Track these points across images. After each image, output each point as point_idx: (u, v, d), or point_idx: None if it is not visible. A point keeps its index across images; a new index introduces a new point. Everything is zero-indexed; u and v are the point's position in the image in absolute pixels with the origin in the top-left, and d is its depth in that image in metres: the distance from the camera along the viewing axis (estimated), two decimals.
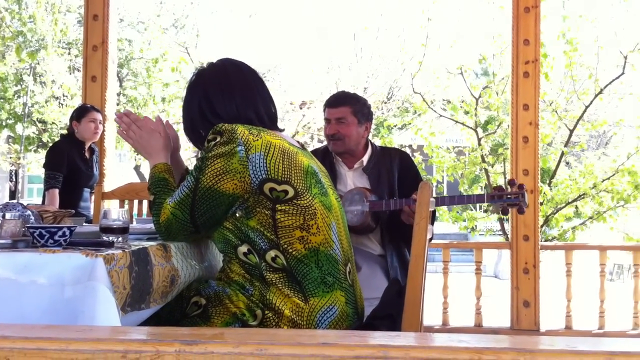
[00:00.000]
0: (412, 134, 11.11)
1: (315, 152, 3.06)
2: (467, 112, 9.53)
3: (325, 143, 3.18)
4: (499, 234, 10.38)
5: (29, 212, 1.97)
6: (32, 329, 1.02)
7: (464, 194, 7.37)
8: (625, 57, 8.64)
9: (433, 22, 10.21)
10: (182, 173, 2.19)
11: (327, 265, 1.82)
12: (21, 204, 2.02)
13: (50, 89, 12.98)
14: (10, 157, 15.71)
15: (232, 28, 24.17)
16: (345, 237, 1.96)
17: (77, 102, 11.23)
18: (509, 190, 2.90)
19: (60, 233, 1.55)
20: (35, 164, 14.43)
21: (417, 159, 9.08)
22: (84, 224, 2.50)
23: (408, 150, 10.85)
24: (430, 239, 2.19)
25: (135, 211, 3.58)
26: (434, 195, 2.50)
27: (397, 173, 3.02)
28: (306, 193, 1.83)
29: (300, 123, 13.78)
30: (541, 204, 8.00)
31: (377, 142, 10.29)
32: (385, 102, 15.25)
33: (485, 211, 11.00)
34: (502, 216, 8.12)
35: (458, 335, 0.97)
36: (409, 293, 1.89)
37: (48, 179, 4.39)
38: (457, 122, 9.71)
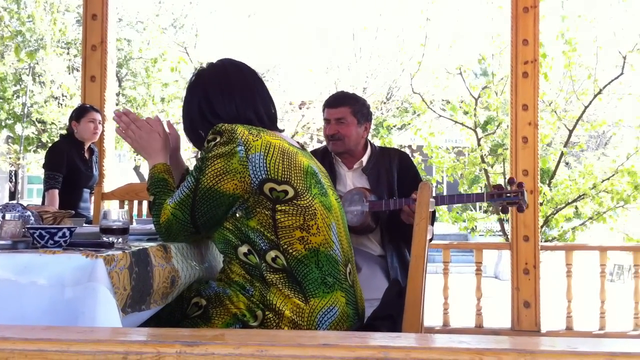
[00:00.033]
0: (411, 134, 11.11)
1: (315, 153, 3.06)
2: (466, 113, 9.53)
3: (324, 143, 3.18)
4: (499, 235, 10.39)
5: (28, 212, 1.97)
6: (33, 330, 1.01)
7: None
8: (624, 58, 8.65)
9: (432, 22, 10.22)
10: (182, 173, 2.19)
11: (327, 266, 1.82)
12: (21, 205, 2.02)
13: (49, 89, 12.98)
14: (10, 158, 15.71)
15: (231, 28, 24.18)
16: (346, 238, 1.96)
17: (77, 102, 11.23)
18: (509, 188, 2.90)
19: (60, 234, 1.55)
20: (34, 164, 14.43)
21: (417, 159, 9.09)
22: (84, 224, 2.50)
23: (407, 151, 10.85)
24: (431, 240, 2.19)
25: (135, 212, 3.58)
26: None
27: (396, 173, 3.02)
28: (306, 193, 1.83)
29: (300, 123, 13.79)
30: (541, 204, 8.01)
31: (377, 142, 10.29)
32: (385, 103, 15.25)
33: (485, 212, 11.02)
34: (502, 215, 8.12)
35: (459, 336, 0.97)
36: (410, 294, 1.89)
37: (48, 179, 4.39)
38: (456, 122, 9.72)
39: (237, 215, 1.80)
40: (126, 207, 3.59)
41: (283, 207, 1.79)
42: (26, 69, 13.57)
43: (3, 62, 13.09)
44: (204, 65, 2.07)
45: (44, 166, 4.48)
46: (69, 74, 13.24)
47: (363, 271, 2.81)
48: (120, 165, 15.57)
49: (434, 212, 2.59)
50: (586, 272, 6.25)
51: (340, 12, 25.99)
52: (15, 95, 13.65)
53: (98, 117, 4.49)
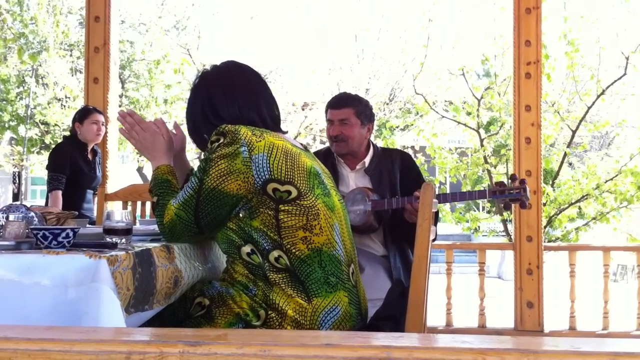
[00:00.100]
0: (414, 135, 11.11)
1: (317, 154, 3.06)
2: (469, 113, 9.52)
3: (327, 144, 3.18)
4: (502, 235, 10.37)
5: (32, 213, 1.97)
6: (36, 330, 1.02)
7: None
8: (627, 58, 8.64)
9: (434, 23, 10.22)
10: (187, 174, 2.19)
11: (330, 266, 1.82)
12: (24, 206, 2.03)
13: (52, 90, 13.00)
14: (13, 159, 15.75)
15: (234, 29, 24.21)
16: (348, 238, 1.96)
17: (80, 103, 11.26)
18: (511, 185, 2.89)
19: (63, 234, 1.56)
20: (38, 165, 14.46)
21: (420, 160, 9.06)
22: (87, 225, 2.50)
23: (410, 152, 10.85)
24: (434, 240, 2.19)
25: (138, 212, 3.59)
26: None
27: (398, 174, 3.02)
28: (309, 193, 1.83)
29: (302, 124, 13.79)
30: (544, 204, 7.99)
31: (380, 143, 10.30)
32: (387, 104, 15.25)
33: (489, 212, 11.00)
34: (505, 211, 8.08)
35: (461, 336, 0.97)
36: (412, 294, 1.89)
37: (51, 180, 4.40)
38: (459, 123, 9.71)
39: (241, 215, 1.81)
40: (129, 208, 3.60)
41: (286, 207, 1.79)
42: (29, 71, 13.60)
43: (6, 64, 13.12)
44: (208, 67, 2.08)
45: (48, 167, 4.50)
46: (72, 75, 13.27)
47: (366, 271, 2.80)
48: (124, 167, 15.61)
49: (437, 213, 2.59)
50: (589, 273, 6.24)
51: (342, 14, 26.03)
52: (18, 97, 13.69)
53: (101, 118, 4.50)
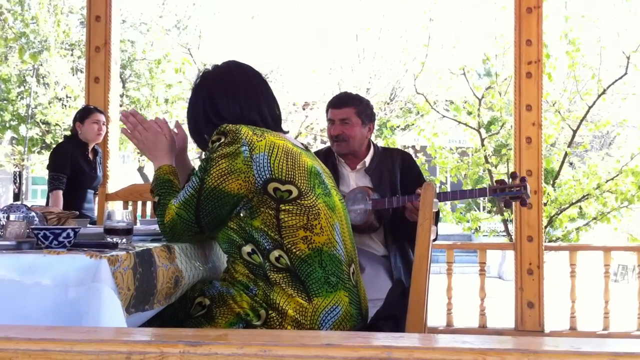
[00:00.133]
0: (415, 135, 11.10)
1: (318, 154, 3.06)
2: (470, 113, 9.52)
3: (328, 144, 3.18)
4: (503, 235, 10.37)
5: (33, 213, 1.97)
6: (36, 330, 1.02)
7: None
8: (628, 58, 8.64)
9: (435, 23, 10.21)
10: (189, 173, 2.20)
11: (330, 266, 1.82)
12: (25, 206, 2.03)
13: (53, 90, 13.01)
14: (14, 159, 15.75)
15: (235, 29, 24.21)
16: (349, 238, 1.96)
17: (81, 103, 11.26)
18: (511, 183, 2.89)
19: (64, 234, 1.56)
20: (39, 165, 14.46)
21: (420, 159, 9.06)
22: (88, 225, 2.50)
23: (411, 151, 10.85)
24: (434, 240, 2.19)
25: (139, 212, 3.59)
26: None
27: (399, 173, 3.02)
28: (310, 193, 1.83)
29: (303, 124, 13.79)
30: (545, 204, 7.99)
31: (380, 142, 10.30)
32: (388, 103, 15.25)
33: (489, 212, 11.00)
34: (505, 209, 8.09)
35: (462, 336, 0.97)
36: (413, 294, 1.89)
37: (52, 180, 4.40)
38: (460, 122, 9.70)
39: (241, 215, 1.81)
40: (130, 207, 3.60)
41: (287, 207, 1.79)
42: (30, 70, 13.61)
43: (7, 64, 13.13)
44: (209, 67, 2.08)
45: (48, 167, 4.49)
46: (73, 75, 13.27)
47: (366, 271, 2.80)
48: (124, 166, 15.61)
49: (437, 213, 2.59)
50: (590, 273, 6.24)
51: (343, 13, 26.02)
52: (19, 97, 13.69)
53: (102, 118, 4.50)
